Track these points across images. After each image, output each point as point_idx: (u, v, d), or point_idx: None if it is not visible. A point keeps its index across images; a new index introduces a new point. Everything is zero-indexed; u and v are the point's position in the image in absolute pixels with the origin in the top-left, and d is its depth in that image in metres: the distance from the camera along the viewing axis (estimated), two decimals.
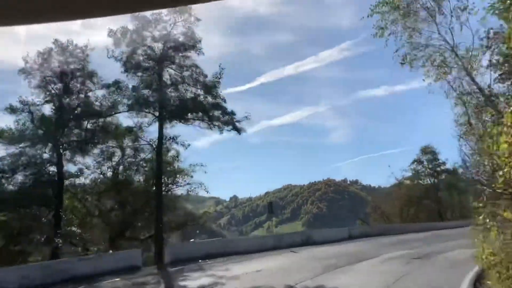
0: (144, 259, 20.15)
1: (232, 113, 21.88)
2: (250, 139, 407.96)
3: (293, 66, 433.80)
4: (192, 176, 27.35)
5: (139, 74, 21.78)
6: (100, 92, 25.04)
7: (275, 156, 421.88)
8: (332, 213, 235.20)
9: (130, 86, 22.20)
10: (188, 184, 27.11)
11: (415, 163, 51.40)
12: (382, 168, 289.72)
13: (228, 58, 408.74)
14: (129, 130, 24.68)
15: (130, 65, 21.35)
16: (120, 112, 23.96)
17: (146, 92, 22.05)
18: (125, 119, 26.62)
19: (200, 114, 22.11)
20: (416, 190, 50.58)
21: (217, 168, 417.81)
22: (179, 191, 27.58)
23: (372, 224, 48.67)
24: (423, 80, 11.55)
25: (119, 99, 23.19)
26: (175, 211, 28.09)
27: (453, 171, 50.04)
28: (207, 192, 27.53)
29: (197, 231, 34.99)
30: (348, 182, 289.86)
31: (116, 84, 22.54)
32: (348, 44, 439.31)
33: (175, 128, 23.63)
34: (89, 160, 26.64)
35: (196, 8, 20.92)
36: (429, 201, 50.32)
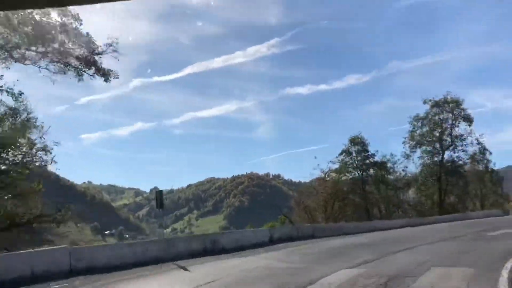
0: None
1: (89, 39, 13.10)
2: (174, 130, 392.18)
3: (222, 59, 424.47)
4: (49, 151, 18.48)
5: None
6: None
7: (199, 148, 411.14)
8: (254, 206, 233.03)
9: None
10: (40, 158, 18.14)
11: (344, 154, 47.27)
12: (303, 163, 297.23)
13: (156, 46, 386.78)
14: None
15: None
16: None
17: None
18: None
19: (41, 43, 13.21)
20: (343, 184, 46.44)
21: (138, 159, 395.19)
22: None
23: (295, 220, 43.40)
24: None
25: None
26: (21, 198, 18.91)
27: (382, 164, 46.92)
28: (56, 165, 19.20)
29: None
30: (271, 176, 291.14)
31: None
32: (276, 41, 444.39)
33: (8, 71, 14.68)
34: None
35: None
36: (356, 196, 46.50)
